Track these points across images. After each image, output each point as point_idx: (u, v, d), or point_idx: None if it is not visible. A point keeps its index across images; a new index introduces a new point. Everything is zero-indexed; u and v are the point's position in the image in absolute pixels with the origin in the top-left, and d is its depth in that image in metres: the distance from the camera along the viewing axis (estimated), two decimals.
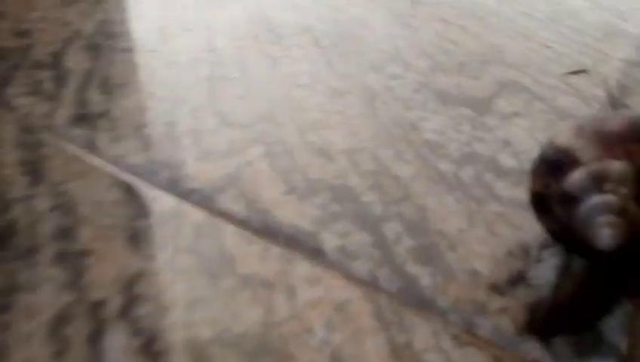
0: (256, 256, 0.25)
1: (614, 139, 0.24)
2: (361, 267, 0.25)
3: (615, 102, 0.34)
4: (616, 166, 0.23)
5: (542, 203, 0.26)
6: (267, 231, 0.27)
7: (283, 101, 0.37)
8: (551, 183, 0.25)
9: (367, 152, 0.33)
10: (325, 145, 0.33)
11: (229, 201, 0.29)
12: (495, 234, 0.27)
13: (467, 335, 0.22)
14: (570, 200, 0.24)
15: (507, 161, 0.33)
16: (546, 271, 0.26)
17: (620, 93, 0.41)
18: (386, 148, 0.33)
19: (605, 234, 0.22)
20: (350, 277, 0.25)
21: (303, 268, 0.25)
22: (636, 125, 0.25)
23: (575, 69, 0.45)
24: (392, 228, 0.27)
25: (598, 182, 0.23)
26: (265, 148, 0.32)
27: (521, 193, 0.30)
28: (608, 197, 0.23)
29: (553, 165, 0.25)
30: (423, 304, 0.24)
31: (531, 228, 0.28)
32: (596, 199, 0.23)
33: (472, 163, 0.33)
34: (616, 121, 0.25)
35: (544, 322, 0.23)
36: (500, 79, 0.42)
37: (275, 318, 0.22)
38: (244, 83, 0.39)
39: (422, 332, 0.22)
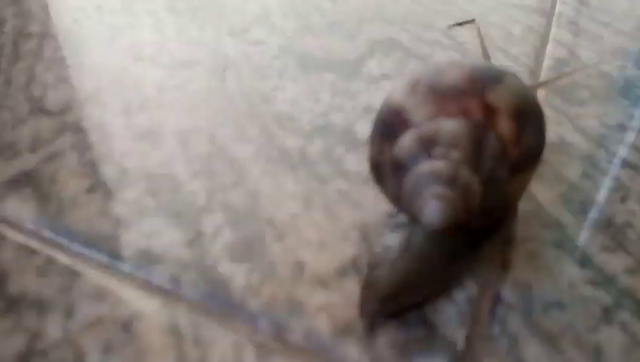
0: (34, 271, 0.22)
1: (450, 93, 0.21)
2: (162, 273, 0.22)
3: (487, 53, 0.32)
4: (448, 126, 0.20)
5: (377, 170, 0.23)
6: (55, 238, 0.23)
7: (114, 79, 0.33)
8: (385, 149, 0.22)
9: (202, 133, 0.29)
10: (153, 127, 0.29)
11: (16, 205, 0.24)
12: (333, 216, 0.25)
13: (275, 342, 0.20)
14: (400, 168, 0.21)
15: (364, 130, 0.30)
16: (387, 248, 0.23)
17: (503, 43, 0.39)
18: (226, 126, 0.30)
19: (431, 208, 0.19)
20: (147, 286, 0.21)
21: (91, 281, 0.21)
22: (476, 76, 0.21)
23: (462, 20, 0.42)
24: (212, 221, 0.24)
25: (428, 146, 0.20)
26: (76, 138, 0.28)
27: None
28: (437, 164, 0.20)
29: (386, 128, 0.22)
30: (230, 310, 0.21)
31: (375, 206, 0.25)
32: (424, 167, 0.20)
33: (324, 136, 0.29)
34: (454, 72, 0.22)
35: (378, 301, 0.20)
36: (374, 38, 0.39)
37: (42, 345, 0.19)
38: (72, 61, 0.34)
39: (221, 345, 0.19)
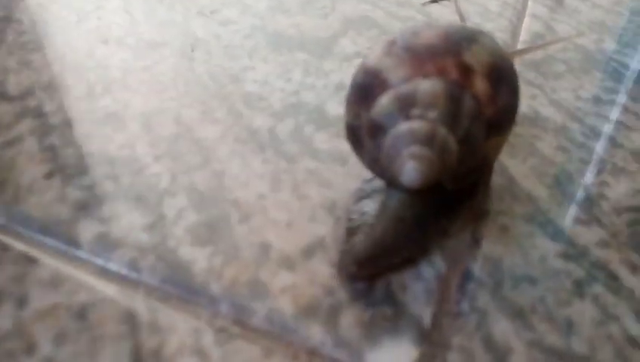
0: None
1: (426, 54, 0.20)
2: (121, 258, 0.21)
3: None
4: (425, 86, 0.20)
5: (354, 136, 0.22)
6: (11, 225, 0.22)
7: (79, 62, 0.31)
8: (361, 112, 0.21)
9: (168, 114, 0.28)
10: (118, 109, 0.28)
11: None
12: (301, 196, 0.24)
13: (237, 326, 0.19)
14: (378, 130, 0.20)
15: (335, 108, 0.29)
16: (363, 213, 0.22)
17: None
18: (193, 107, 0.28)
19: (409, 168, 0.19)
20: (105, 272, 0.20)
21: (46, 268, 0.20)
22: (452, 35, 0.21)
23: None
24: (175, 204, 0.23)
25: (405, 106, 0.20)
26: (37, 123, 0.27)
27: (342, 143, 0.27)
28: (415, 124, 0.19)
29: (362, 91, 0.21)
30: (190, 295, 0.20)
31: (344, 184, 0.24)
32: (401, 127, 0.20)
33: (294, 115, 0.28)
34: (429, 33, 0.21)
35: (355, 264, 0.20)
36: (348, 16, 0.37)
37: None
38: (35, 45, 0.33)
39: (180, 331, 0.18)
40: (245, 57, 0.32)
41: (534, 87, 0.32)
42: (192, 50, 0.32)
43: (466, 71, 0.20)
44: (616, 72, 0.34)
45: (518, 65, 0.33)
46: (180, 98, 0.29)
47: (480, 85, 0.20)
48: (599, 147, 0.28)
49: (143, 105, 0.28)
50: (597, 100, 0.31)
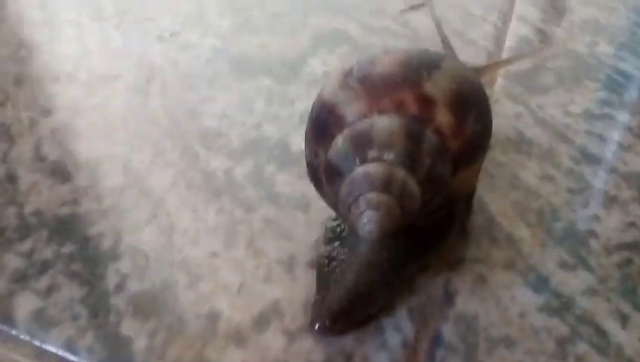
0: None
1: (382, 86, 0.19)
2: (58, 337, 0.20)
3: (445, 38, 0.29)
4: (381, 124, 0.18)
5: (314, 176, 0.21)
6: None
7: (27, 105, 0.30)
8: (319, 151, 0.20)
9: (117, 161, 0.26)
10: (62, 159, 0.26)
11: None
12: (257, 252, 0.22)
13: None
14: (335, 173, 0.19)
15: (299, 142, 0.27)
16: (332, 259, 0.21)
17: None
18: (144, 150, 0.27)
19: (366, 218, 0.18)
20: (41, 354, 0.19)
21: None
22: (410, 63, 0.19)
23: (415, 2, 0.39)
24: (117, 270, 0.22)
25: (361, 147, 0.18)
26: None
27: (305, 185, 0.25)
28: (370, 168, 0.18)
29: (319, 128, 0.20)
30: None
31: (305, 235, 0.23)
32: (357, 172, 0.18)
33: (254, 153, 0.27)
34: (386, 61, 0.20)
35: (330, 319, 0.19)
36: (318, 31, 0.35)
37: None
38: None
39: None
40: (204, 87, 0.31)
41: (519, 104, 0.30)
42: (148, 83, 0.30)
43: (426, 103, 0.19)
44: (610, 81, 0.32)
45: (501, 78, 0.31)
46: (131, 140, 0.27)
47: (442, 118, 0.19)
48: (589, 173, 0.26)
49: (90, 151, 0.27)
50: (588, 116, 0.29)
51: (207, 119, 0.29)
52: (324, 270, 0.21)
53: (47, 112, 0.29)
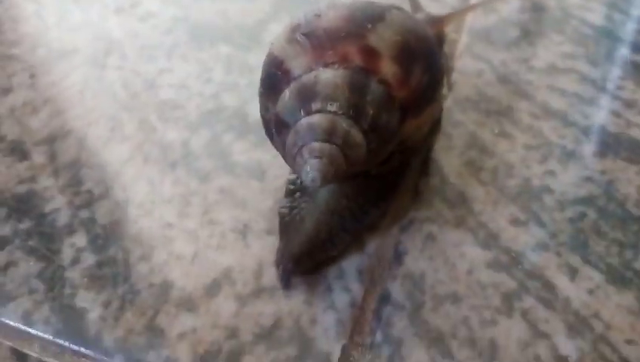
0: None
1: (327, 40, 0.20)
2: (15, 310, 0.20)
3: (417, 5, 0.29)
4: (326, 76, 0.19)
5: (267, 129, 0.21)
6: None
7: None
8: (269, 105, 0.21)
9: (72, 137, 0.27)
10: (19, 137, 0.27)
11: None
12: (211, 221, 0.23)
13: None
14: (283, 126, 0.20)
15: (258, 110, 0.28)
16: (293, 208, 0.22)
17: None
18: (101, 125, 0.27)
19: (309, 167, 0.18)
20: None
21: None
22: (355, 16, 0.20)
23: None
24: (73, 244, 0.22)
25: (306, 100, 0.19)
26: None
27: (262, 152, 0.25)
28: (314, 119, 0.19)
29: (268, 82, 0.21)
30: (85, 347, 0.19)
31: (260, 203, 0.23)
32: (301, 123, 0.19)
33: (212, 123, 0.27)
34: (332, 14, 0.20)
35: (292, 261, 0.20)
36: None
37: None
38: None
39: None
40: (163, 58, 0.31)
41: (482, 61, 0.30)
42: (106, 56, 0.30)
43: (370, 55, 0.20)
44: (576, 33, 0.31)
45: (465, 34, 0.31)
46: (87, 115, 0.28)
47: (388, 69, 0.20)
48: (548, 128, 0.26)
49: (46, 129, 0.27)
50: (552, 70, 0.29)
51: (165, 91, 0.29)
52: (286, 219, 0.22)
53: (6, 91, 0.29)
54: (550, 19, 0.32)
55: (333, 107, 0.19)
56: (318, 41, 0.20)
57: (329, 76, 0.19)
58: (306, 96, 0.19)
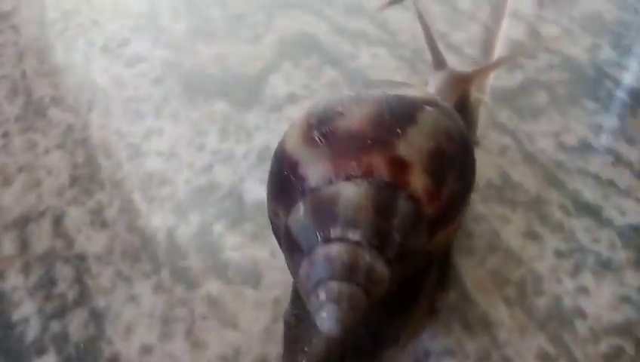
0: None
1: (351, 146, 0.16)
2: None
3: (441, 61, 0.24)
4: (347, 193, 0.16)
5: (275, 233, 0.18)
6: None
7: None
8: (279, 212, 0.17)
9: (46, 219, 0.23)
10: None
11: None
12: (196, 343, 0.19)
13: None
14: (295, 246, 0.16)
15: (255, 190, 0.24)
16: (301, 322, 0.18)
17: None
18: (72, 211, 0.23)
19: (326, 314, 0.15)
20: None
21: None
22: (382, 118, 0.17)
23: None
24: None
25: (324, 223, 0.16)
26: None
27: (258, 249, 0.22)
28: (333, 251, 0.15)
29: (280, 185, 0.17)
30: None
31: (255, 320, 0.19)
32: (318, 253, 0.15)
33: (203, 205, 0.23)
34: (356, 113, 0.17)
35: None
36: (284, 37, 0.31)
37: None
38: None
39: None
40: (151, 115, 0.27)
41: (506, 134, 0.25)
42: (89, 112, 0.26)
43: (399, 167, 0.16)
44: (610, 99, 0.27)
45: (487, 99, 0.27)
46: (59, 194, 0.24)
47: (418, 182, 0.16)
48: (580, 228, 0.22)
49: (18, 211, 0.23)
50: (584, 149, 0.25)
51: (152, 161, 0.25)
52: (292, 332, 0.19)
53: None
54: (582, 80, 0.28)
55: (355, 236, 0.15)
56: (340, 147, 0.16)
57: (351, 193, 0.16)
58: (325, 218, 0.16)
